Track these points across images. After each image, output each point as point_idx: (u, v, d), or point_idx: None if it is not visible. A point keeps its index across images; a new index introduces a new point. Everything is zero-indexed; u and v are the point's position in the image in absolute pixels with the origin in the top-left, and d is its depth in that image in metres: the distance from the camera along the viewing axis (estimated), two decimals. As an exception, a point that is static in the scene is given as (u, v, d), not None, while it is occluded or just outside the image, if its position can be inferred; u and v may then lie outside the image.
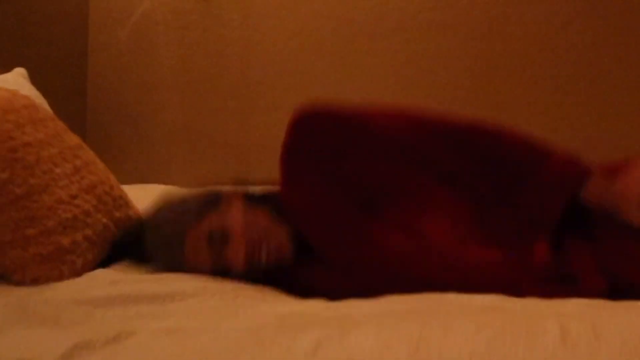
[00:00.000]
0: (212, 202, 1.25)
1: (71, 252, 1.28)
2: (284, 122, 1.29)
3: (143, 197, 1.55)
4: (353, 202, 1.23)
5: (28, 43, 2.55)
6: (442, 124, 1.22)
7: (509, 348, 0.73)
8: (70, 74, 2.86)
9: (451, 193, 1.20)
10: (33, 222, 1.24)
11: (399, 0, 2.51)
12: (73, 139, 1.47)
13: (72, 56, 2.86)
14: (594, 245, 1.12)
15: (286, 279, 1.25)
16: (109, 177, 1.51)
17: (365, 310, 0.91)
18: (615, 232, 1.12)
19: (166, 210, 1.27)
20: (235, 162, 2.64)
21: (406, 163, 1.21)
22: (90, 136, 2.86)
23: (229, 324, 0.88)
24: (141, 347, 0.79)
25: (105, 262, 1.37)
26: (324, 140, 1.23)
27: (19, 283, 1.23)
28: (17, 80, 1.95)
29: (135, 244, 1.31)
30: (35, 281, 1.22)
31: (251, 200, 1.27)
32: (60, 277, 1.24)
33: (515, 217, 1.17)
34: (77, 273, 1.28)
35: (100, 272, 1.27)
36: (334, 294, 1.12)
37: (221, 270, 1.21)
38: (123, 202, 1.49)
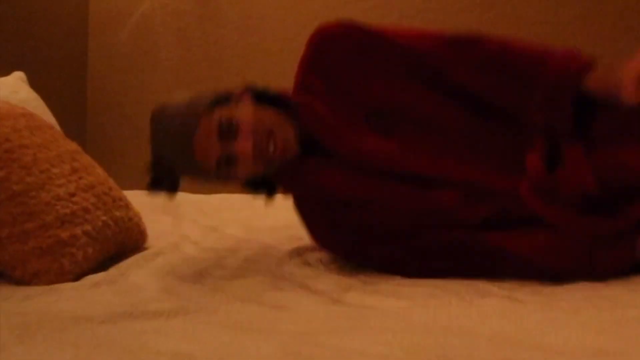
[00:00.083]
0: (222, 97, 1.28)
1: (70, 245, 1.27)
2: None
3: (143, 202, 1.55)
4: (360, 111, 1.28)
5: (28, 44, 2.54)
6: (452, 35, 1.26)
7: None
8: (70, 75, 2.86)
9: (457, 110, 1.25)
10: (31, 217, 1.24)
11: (399, 1, 2.50)
12: (71, 145, 1.47)
13: (71, 57, 2.86)
14: (589, 148, 1.15)
15: (288, 176, 1.33)
16: (107, 179, 1.50)
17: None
18: (613, 134, 1.17)
19: (176, 105, 1.27)
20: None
21: (418, 77, 1.26)
22: (90, 138, 2.87)
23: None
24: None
25: (106, 261, 1.36)
26: (339, 54, 1.29)
27: (20, 279, 1.22)
28: (15, 84, 1.95)
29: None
30: (36, 276, 1.22)
31: (261, 98, 1.30)
32: (61, 270, 1.24)
33: (511, 128, 1.22)
34: (79, 266, 1.27)
35: (103, 287, 1.24)
36: (338, 187, 1.27)
37: (227, 163, 1.23)
38: (123, 203, 1.48)
